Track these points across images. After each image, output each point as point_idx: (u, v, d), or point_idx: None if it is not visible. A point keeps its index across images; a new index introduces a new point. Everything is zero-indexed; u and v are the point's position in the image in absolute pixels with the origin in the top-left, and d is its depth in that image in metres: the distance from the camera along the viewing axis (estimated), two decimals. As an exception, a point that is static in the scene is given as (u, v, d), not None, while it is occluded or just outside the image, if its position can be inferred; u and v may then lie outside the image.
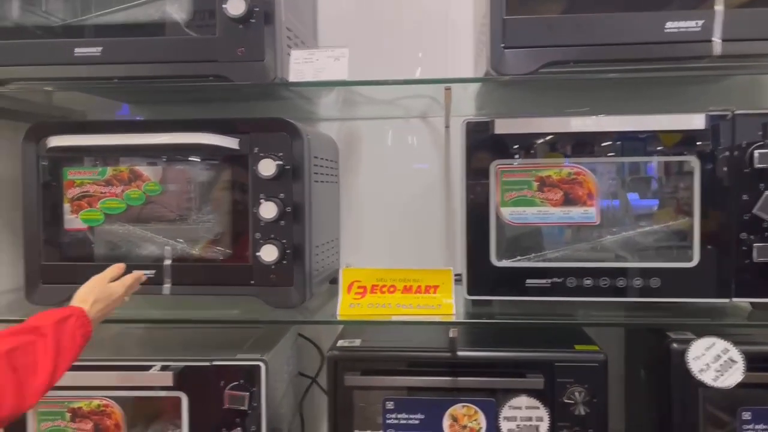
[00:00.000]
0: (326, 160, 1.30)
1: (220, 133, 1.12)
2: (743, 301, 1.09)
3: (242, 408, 1.11)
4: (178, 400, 1.12)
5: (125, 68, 1.12)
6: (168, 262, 1.15)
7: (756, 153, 1.04)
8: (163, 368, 1.12)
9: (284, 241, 1.11)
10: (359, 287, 1.13)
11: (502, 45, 1.03)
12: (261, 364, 1.12)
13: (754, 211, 1.05)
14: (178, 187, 1.19)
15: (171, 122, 1.18)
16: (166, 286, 1.14)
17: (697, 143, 1.07)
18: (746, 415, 1.07)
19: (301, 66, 1.07)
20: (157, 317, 1.22)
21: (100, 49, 1.11)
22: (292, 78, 1.08)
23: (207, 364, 1.12)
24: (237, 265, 1.14)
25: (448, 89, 1.05)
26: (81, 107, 1.47)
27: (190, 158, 1.18)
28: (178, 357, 1.15)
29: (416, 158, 1.48)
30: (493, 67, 1.03)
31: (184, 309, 1.22)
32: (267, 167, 1.10)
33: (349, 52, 1.09)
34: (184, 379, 1.11)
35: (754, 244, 1.05)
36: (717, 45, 0.99)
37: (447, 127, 1.45)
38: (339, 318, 1.11)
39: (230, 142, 1.12)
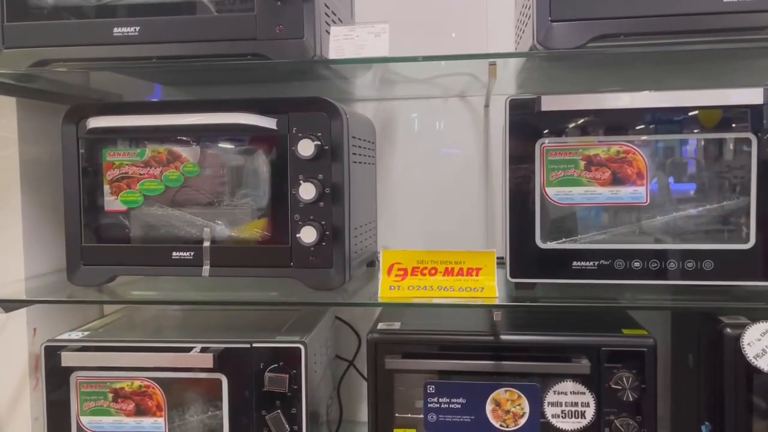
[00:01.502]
0: (364, 140, 1.28)
1: (258, 113, 1.11)
2: (801, 285, 1.04)
3: (282, 390, 1.10)
4: (218, 381, 1.12)
5: (163, 48, 1.10)
6: (207, 243, 1.14)
7: (819, 129, 0.99)
8: (203, 350, 1.11)
9: (323, 222, 1.10)
10: (399, 269, 1.10)
11: (550, 18, 0.99)
12: (301, 346, 1.11)
13: (815, 189, 1.00)
14: (216, 168, 1.17)
15: (209, 102, 1.16)
16: (206, 268, 1.14)
17: (755, 118, 1.02)
18: (803, 403, 1.02)
19: (341, 43, 1.04)
20: (196, 299, 1.21)
21: (137, 28, 1.10)
22: (332, 55, 1.05)
23: (247, 346, 1.12)
24: (276, 246, 1.13)
25: (493, 65, 1.02)
26: (118, 90, 1.47)
27: (228, 139, 1.16)
28: (217, 339, 1.14)
29: (454, 138, 1.45)
30: (539, 42, 1.00)
31: (222, 291, 1.21)
32: (306, 148, 1.08)
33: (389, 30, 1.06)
34: (224, 360, 1.11)
35: (815, 225, 1.01)
36: (777, 14, 0.94)
37: (486, 106, 1.42)
38: (380, 300, 1.09)
39: (268, 122, 1.10)
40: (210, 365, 1.10)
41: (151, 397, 1.14)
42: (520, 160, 1.09)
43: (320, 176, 1.10)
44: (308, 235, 1.09)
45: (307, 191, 1.09)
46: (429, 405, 1.10)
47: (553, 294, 1.13)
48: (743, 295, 1.08)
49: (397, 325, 1.15)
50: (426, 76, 1.31)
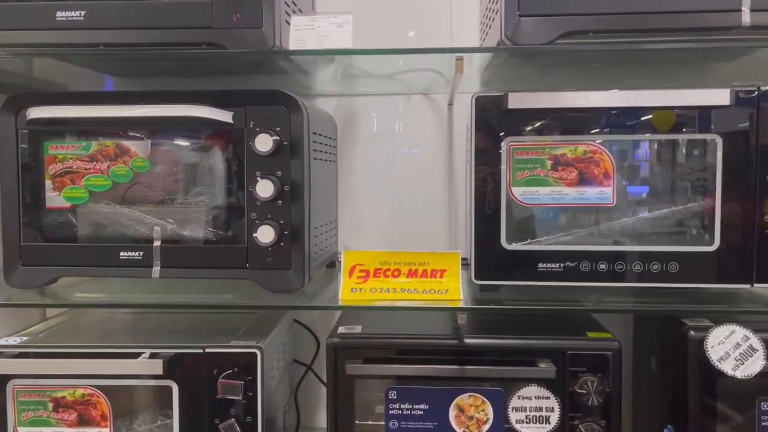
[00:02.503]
0: (325, 137, 1.23)
1: (214, 105, 1.05)
2: (764, 287, 1.04)
3: (236, 397, 1.05)
4: (168, 389, 1.06)
5: (110, 34, 1.04)
6: (157, 243, 1.08)
7: (783, 131, 0.99)
8: (153, 356, 1.05)
9: (282, 221, 1.05)
10: (362, 271, 1.06)
11: (518, 13, 0.97)
12: (257, 351, 1.06)
13: (780, 192, 1.00)
14: (169, 164, 1.11)
15: (161, 93, 1.09)
16: (156, 269, 1.07)
17: (721, 120, 1.01)
18: (765, 406, 1.02)
19: (302, 33, 0.99)
20: (146, 302, 1.15)
21: (83, 13, 1.03)
22: (293, 46, 1.01)
23: (199, 351, 1.06)
24: (231, 246, 1.07)
25: (459, 59, 0.98)
26: (63, 80, 1.39)
27: (181, 133, 1.10)
28: (168, 344, 1.08)
29: (418, 137, 1.41)
30: (507, 37, 0.97)
31: (175, 293, 1.15)
32: (263, 142, 1.03)
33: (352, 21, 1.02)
34: (174, 367, 1.05)
35: (779, 228, 1.00)
36: (746, 15, 0.93)
37: (450, 104, 1.39)
38: (340, 303, 1.04)
39: (224, 116, 1.05)
40: (159, 372, 1.03)
41: (95, 407, 1.07)
42: (486, 159, 1.06)
43: (279, 173, 1.04)
44: (265, 234, 1.04)
45: (264, 189, 1.03)
46: (390, 411, 1.06)
47: (519, 296, 1.10)
48: (707, 298, 1.08)
49: (358, 329, 1.11)
50: (389, 72, 1.27)
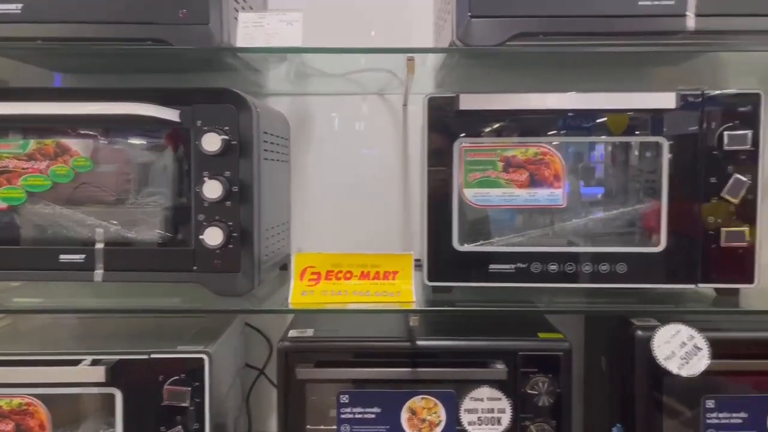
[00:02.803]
0: (276, 136, 1.21)
1: (160, 103, 1.02)
2: (708, 287, 1.06)
3: (183, 404, 1.02)
4: (111, 397, 1.02)
5: (49, 28, 1.00)
6: (100, 245, 1.04)
7: (725, 134, 1.01)
8: (94, 362, 1.01)
9: (230, 223, 1.02)
10: (313, 273, 1.04)
11: (469, 14, 0.97)
12: (204, 356, 1.03)
13: (723, 194, 1.02)
14: (113, 164, 1.07)
15: (105, 91, 1.06)
16: (98, 272, 1.03)
17: (667, 123, 1.03)
18: (710, 404, 1.04)
19: (251, 30, 0.97)
20: (89, 306, 1.11)
21: (20, 6, 0.99)
22: (240, 43, 0.98)
23: (144, 357, 1.03)
24: (178, 249, 1.04)
25: (411, 59, 0.98)
26: (4, 75, 1.33)
27: (126, 131, 1.07)
28: (111, 350, 1.04)
29: (373, 137, 1.40)
30: (458, 38, 0.97)
31: (121, 297, 1.11)
32: (211, 142, 1.00)
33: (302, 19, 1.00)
34: (117, 374, 1.01)
35: (722, 229, 1.02)
36: (690, 20, 0.95)
37: (405, 105, 1.38)
38: (291, 306, 1.02)
39: (170, 114, 1.02)
40: (101, 379, 1.00)
41: (33, 416, 1.03)
42: (439, 160, 1.06)
43: (227, 173, 1.02)
44: (213, 236, 1.01)
45: (212, 189, 1.01)
46: (342, 416, 1.05)
47: (471, 297, 1.10)
48: (655, 298, 1.09)
49: (310, 332, 1.09)
50: (343, 71, 1.26)
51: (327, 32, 1.27)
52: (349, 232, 1.40)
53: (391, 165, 1.40)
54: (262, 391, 1.39)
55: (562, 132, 1.05)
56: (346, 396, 1.04)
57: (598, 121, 1.03)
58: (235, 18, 1.02)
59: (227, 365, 1.19)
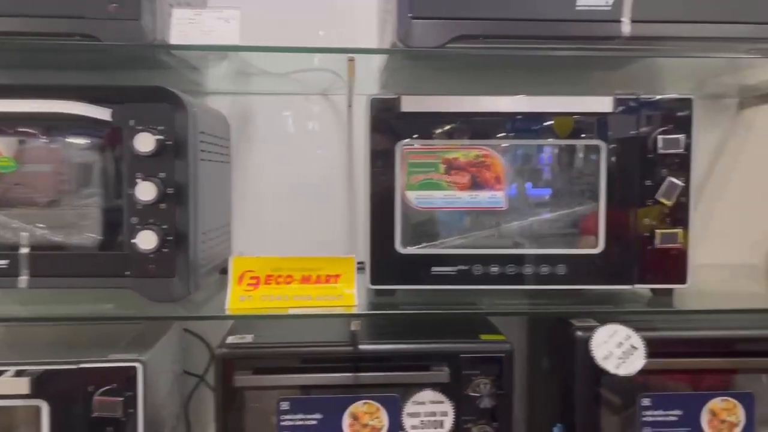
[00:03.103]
0: (215, 137, 1.17)
1: (91, 102, 0.97)
2: (644, 288, 1.08)
3: (115, 415, 0.97)
4: (36, 409, 0.97)
5: (-31, 21, 0.94)
6: (25, 250, 0.99)
7: (660, 138, 1.03)
8: (18, 373, 0.96)
9: (165, 226, 0.98)
10: (252, 278, 1.02)
11: (410, 15, 0.96)
12: (137, 365, 0.99)
13: (657, 196, 1.04)
14: (46, 164, 1.02)
15: (30, 87, 1.00)
16: (23, 278, 0.98)
17: (604, 127, 1.04)
18: (645, 402, 1.06)
19: (185, 27, 0.94)
20: (13, 315, 1.05)
21: (-65, -4, 0.93)
22: (174, 40, 0.95)
23: (73, 367, 0.98)
24: (109, 253, 1.00)
25: (351, 60, 0.96)
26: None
27: (61, 131, 1.01)
28: (39, 359, 0.99)
29: (316, 138, 1.38)
30: (399, 39, 0.96)
31: (51, 303, 1.06)
32: (144, 142, 0.96)
33: (244, 18, 0.97)
34: (43, 385, 0.96)
35: (656, 230, 1.05)
36: (626, 25, 0.97)
37: (350, 106, 1.37)
38: (228, 312, 0.99)
39: (101, 113, 0.97)
40: (26, 391, 0.95)
41: (-49, 432, 0.97)
42: (381, 162, 1.04)
43: (162, 175, 0.98)
44: (146, 240, 0.97)
45: (145, 191, 0.97)
46: (282, 423, 1.02)
47: (415, 300, 1.10)
48: (595, 299, 1.11)
49: (249, 338, 1.07)
50: (286, 70, 1.23)
51: (272, 31, 1.25)
52: (293, 234, 1.38)
53: (336, 167, 1.39)
54: (202, 398, 1.35)
55: (504, 135, 1.05)
56: (287, 403, 1.02)
57: (541, 123, 1.04)
58: (170, 14, 0.99)
59: (164, 373, 1.15)
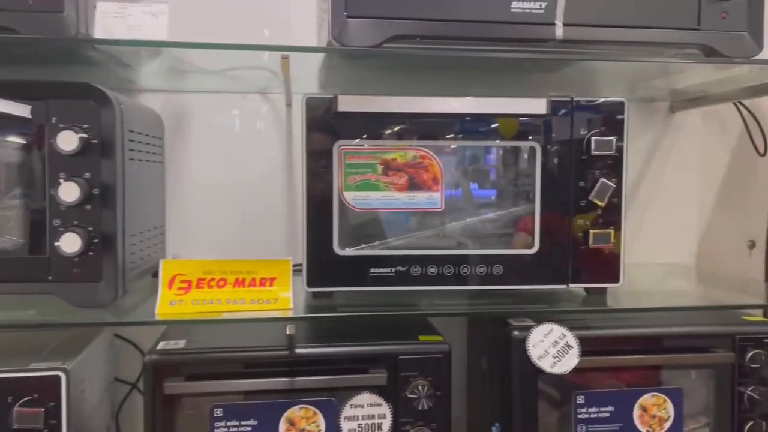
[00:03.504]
0: (146, 135, 1.13)
1: (8, 97, 0.93)
2: (578, 287, 1.10)
3: (36, 427, 0.93)
4: (-52, 424, 0.92)
5: None
6: (-64, 254, 0.93)
7: (593, 140, 1.05)
8: (-71, 386, 0.90)
9: (90, 228, 0.94)
10: (182, 281, 0.99)
11: (345, 13, 0.95)
12: (60, 374, 0.94)
13: (590, 197, 1.06)
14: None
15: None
16: (-61, 284, 0.93)
17: (539, 129, 1.06)
18: (580, 399, 1.08)
19: (110, 21, 0.90)
20: None
21: None
22: (98, 35, 0.91)
23: (-11, 377, 0.93)
24: (31, 257, 0.95)
25: (285, 58, 0.94)
26: None
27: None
28: (-48, 370, 0.94)
29: (255, 138, 1.35)
30: (334, 38, 0.94)
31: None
32: (67, 140, 0.92)
33: (181, 15, 0.95)
34: (-44, 397, 0.91)
35: (590, 231, 1.07)
36: (559, 29, 0.98)
37: (289, 105, 1.35)
38: (157, 318, 0.96)
39: (20, 109, 0.93)
40: (-64, 404, 0.89)
41: None
42: (318, 162, 1.03)
43: (86, 174, 0.94)
44: (70, 243, 0.93)
45: (68, 192, 0.93)
46: (216, 430, 0.99)
47: (354, 302, 1.09)
48: (531, 298, 1.12)
49: (181, 344, 1.03)
50: (222, 68, 1.20)
51: (212, 30, 1.23)
52: (231, 236, 1.35)
53: (274, 167, 1.36)
54: (135, 406, 1.31)
55: (442, 135, 1.05)
56: (220, 409, 0.99)
57: (479, 124, 1.05)
58: (95, 7, 0.94)
59: (92, 381, 1.11)
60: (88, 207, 0.94)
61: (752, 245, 1.53)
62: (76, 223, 0.94)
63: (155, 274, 1.20)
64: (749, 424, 1.10)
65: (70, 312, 0.96)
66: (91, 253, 0.95)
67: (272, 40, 1.31)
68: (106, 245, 0.95)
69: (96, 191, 0.94)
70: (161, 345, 1.02)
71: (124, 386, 1.29)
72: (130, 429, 1.31)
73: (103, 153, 0.95)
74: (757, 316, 1.19)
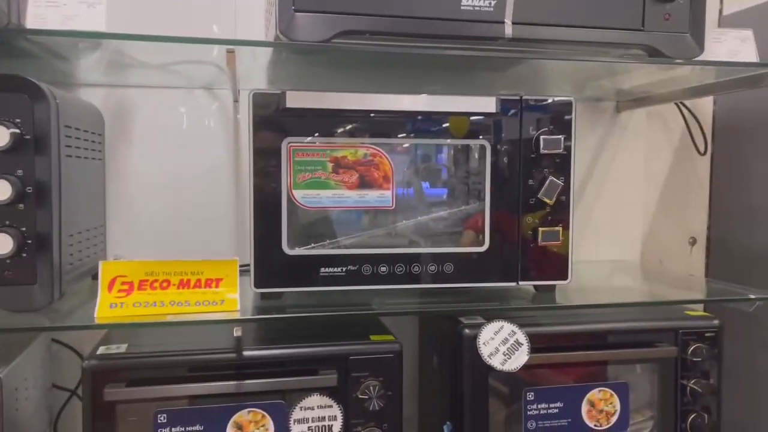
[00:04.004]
0: (85, 131, 1.09)
1: (-66, 90, 0.87)
2: (528, 284, 1.11)
3: (-35, 440, 0.88)
4: None
5: None
6: None
7: (542, 138, 1.06)
8: None
9: (23, 228, 0.90)
10: (123, 283, 0.95)
11: (293, 7, 0.92)
12: (-9, 383, 0.89)
13: (539, 195, 1.07)
14: None
15: None
16: None
17: (490, 128, 1.06)
18: (530, 396, 1.09)
19: (44, 10, 0.86)
20: None
21: None
22: (31, 24, 0.86)
23: None
24: (-42, 260, 0.90)
25: (231, 52, 0.92)
26: None
27: None
28: None
29: (200, 135, 1.32)
30: (282, 32, 0.92)
31: None
32: (-2, 136, 0.87)
33: (119, 4, 0.91)
34: None
35: (539, 228, 1.07)
36: (508, 27, 0.98)
37: (236, 101, 1.31)
38: (96, 321, 0.92)
39: (-56, 103, 0.87)
40: None
41: None
42: (266, 160, 1.01)
43: (19, 172, 0.89)
44: (1, 244, 0.88)
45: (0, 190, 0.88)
46: (160, 437, 0.96)
47: (305, 302, 1.07)
48: (483, 296, 1.12)
49: (123, 348, 0.99)
50: (164, 62, 1.16)
51: (155, 21, 1.18)
52: (176, 237, 1.31)
53: (222, 165, 1.33)
54: (75, 413, 1.25)
55: (393, 133, 1.04)
56: (164, 415, 0.96)
57: (430, 122, 1.04)
58: (28, -5, 0.90)
59: (28, 389, 1.05)
60: (21, 206, 0.90)
61: (693, 242, 1.58)
62: (8, 223, 0.89)
63: (95, 276, 1.16)
64: (692, 417, 1.13)
65: (3, 316, 0.91)
66: (24, 255, 0.90)
67: (219, 35, 1.28)
68: (40, 246, 0.91)
69: (29, 189, 0.90)
70: (101, 350, 0.98)
71: (63, 393, 1.23)
72: (70, 437, 1.26)
73: (37, 149, 0.90)
74: (698, 311, 1.22)
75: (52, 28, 0.86)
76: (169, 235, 1.30)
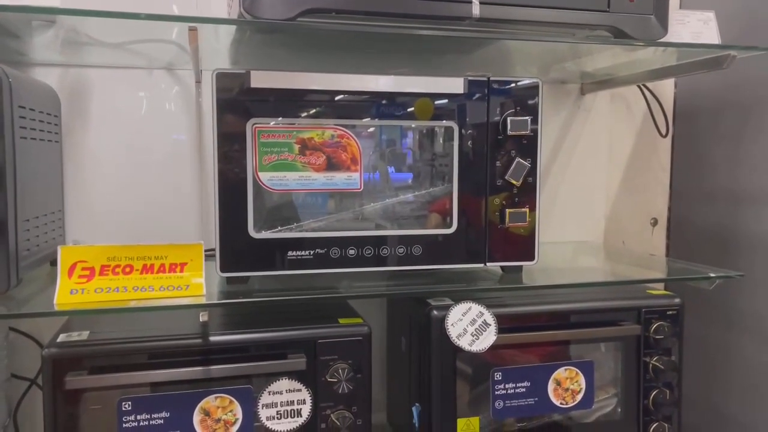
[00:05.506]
0: (40, 113, 1.05)
1: None
2: (495, 266, 1.12)
3: None
4: None
5: None
6: None
7: (509, 120, 1.06)
8: None
9: (-24, 213, 0.86)
10: (84, 269, 0.92)
11: (257, -16, 0.90)
12: (-55, 373, 0.86)
13: (506, 177, 1.08)
14: None
15: None
16: None
17: (457, 108, 1.05)
18: (498, 376, 1.10)
19: (-7, -15, 0.82)
20: None
21: None
22: (-22, -1, 0.82)
23: None
24: None
25: (193, 30, 0.89)
26: None
27: None
28: None
29: (161, 115, 1.28)
30: (245, 9, 0.90)
31: None
32: (-54, 116, 0.83)
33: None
34: None
35: (506, 210, 1.08)
36: (476, 7, 0.97)
37: (198, 82, 1.28)
38: (56, 308, 0.89)
39: None
40: None
41: None
42: (231, 141, 0.99)
43: (-29, 155, 0.86)
44: (-48, 230, 0.84)
45: (-51, 174, 0.84)
46: (124, 425, 0.94)
47: (273, 286, 1.05)
48: (450, 278, 1.13)
49: (84, 335, 0.96)
50: (122, 41, 1.12)
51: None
52: (137, 221, 1.28)
53: (184, 147, 1.30)
54: (35, 403, 1.22)
55: (361, 114, 1.03)
56: (128, 402, 0.94)
57: (396, 104, 1.03)
58: (-25, -32, 0.85)
59: (-16, 379, 1.02)
60: (-27, 190, 0.86)
61: (655, 222, 1.62)
62: (-41, 207, 0.86)
63: (54, 262, 1.12)
64: (654, 393, 1.16)
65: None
66: (-23, 241, 0.86)
67: (180, 12, 1.24)
68: (-5, 231, 0.87)
69: (-18, 173, 0.86)
70: (62, 337, 0.95)
71: (22, 383, 1.20)
72: (30, 428, 1.22)
73: (-10, 131, 0.86)
74: (660, 290, 1.25)
75: (4, 4, 0.81)
76: (130, 220, 1.27)
